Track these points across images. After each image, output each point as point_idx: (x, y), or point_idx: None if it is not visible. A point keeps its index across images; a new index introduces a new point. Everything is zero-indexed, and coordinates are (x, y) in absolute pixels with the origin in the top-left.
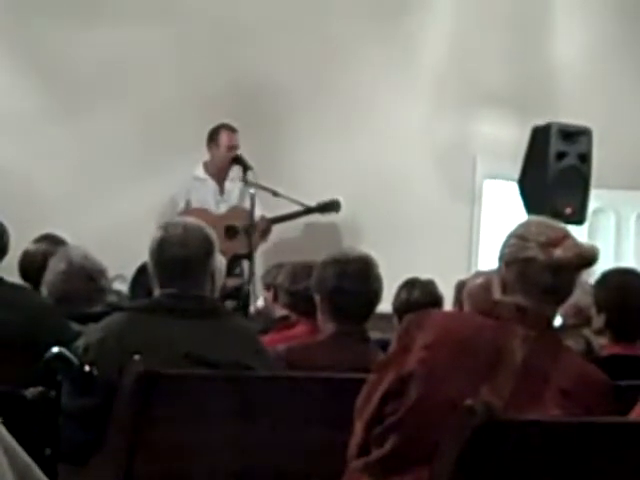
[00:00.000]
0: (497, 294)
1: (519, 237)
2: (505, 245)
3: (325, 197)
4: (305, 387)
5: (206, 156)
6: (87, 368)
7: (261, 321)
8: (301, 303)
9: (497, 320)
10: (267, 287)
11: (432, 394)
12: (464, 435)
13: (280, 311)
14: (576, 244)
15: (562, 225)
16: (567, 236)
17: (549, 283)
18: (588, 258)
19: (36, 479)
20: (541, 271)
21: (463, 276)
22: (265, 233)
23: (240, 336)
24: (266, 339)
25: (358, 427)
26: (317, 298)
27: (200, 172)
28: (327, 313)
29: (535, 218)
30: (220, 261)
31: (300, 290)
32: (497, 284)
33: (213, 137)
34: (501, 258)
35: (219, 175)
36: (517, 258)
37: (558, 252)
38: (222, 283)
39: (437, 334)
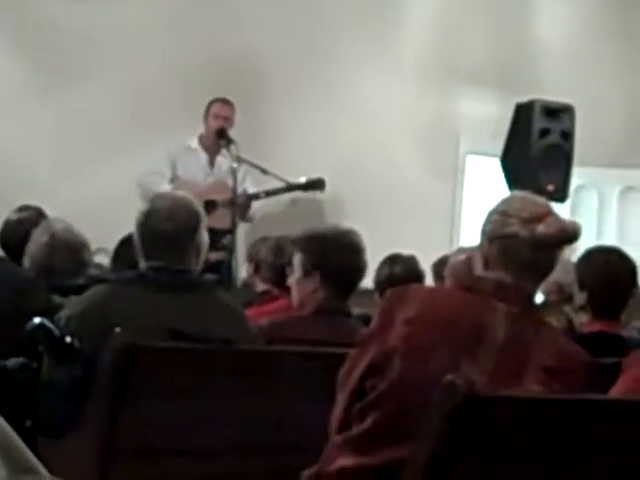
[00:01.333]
0: (479, 270)
1: (501, 213)
2: (487, 221)
3: (307, 174)
4: (287, 362)
5: (192, 130)
6: (68, 339)
7: (245, 294)
8: (283, 277)
9: (478, 296)
10: (250, 261)
11: (414, 370)
12: (445, 411)
13: (261, 285)
14: (558, 220)
15: (545, 201)
16: (550, 212)
17: (530, 259)
18: (570, 234)
19: (18, 449)
20: (523, 247)
21: (445, 252)
22: (244, 209)
23: (223, 310)
24: (248, 312)
25: (339, 402)
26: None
27: (193, 142)
28: (313, 285)
29: (518, 194)
30: (205, 236)
31: (283, 264)
32: (479, 260)
33: (207, 109)
34: (483, 234)
35: (211, 148)
36: (499, 234)
37: (541, 228)
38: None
39: (419, 309)
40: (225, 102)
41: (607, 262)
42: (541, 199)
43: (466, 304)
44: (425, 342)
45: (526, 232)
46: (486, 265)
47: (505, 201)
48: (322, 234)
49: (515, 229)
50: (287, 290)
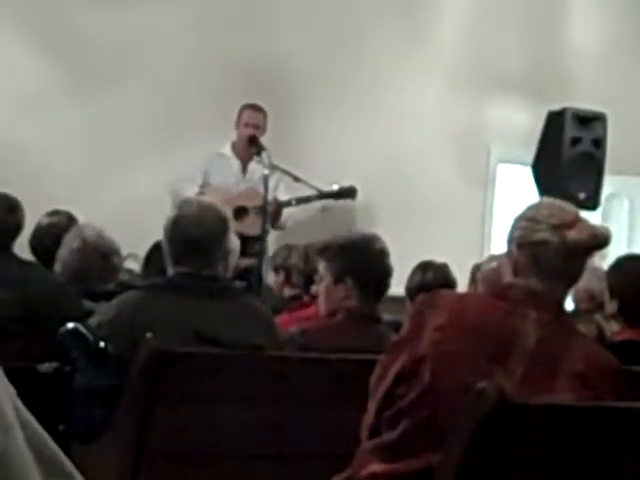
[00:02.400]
0: (507, 277)
1: (530, 219)
2: (515, 227)
3: (339, 181)
4: (318, 368)
5: (224, 136)
6: (102, 344)
7: (274, 301)
8: (313, 283)
9: (509, 303)
10: (276, 269)
11: (444, 377)
12: (476, 418)
13: (290, 291)
14: (589, 225)
15: (573, 207)
16: (579, 218)
17: (561, 265)
18: (602, 239)
19: (53, 454)
20: (554, 253)
21: (476, 260)
22: (275, 215)
23: (252, 316)
24: (279, 319)
25: (370, 408)
26: (330, 278)
27: (226, 150)
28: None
29: (545, 200)
30: (235, 242)
31: (312, 271)
32: (508, 267)
33: (238, 116)
34: (511, 241)
35: (243, 155)
36: (529, 240)
37: (572, 234)
38: (235, 263)
39: (449, 315)
40: (256, 109)
41: (638, 270)
42: (569, 205)
43: (497, 310)
44: (455, 349)
45: (557, 238)
46: (515, 272)
47: (533, 207)
48: (352, 241)
49: (545, 235)
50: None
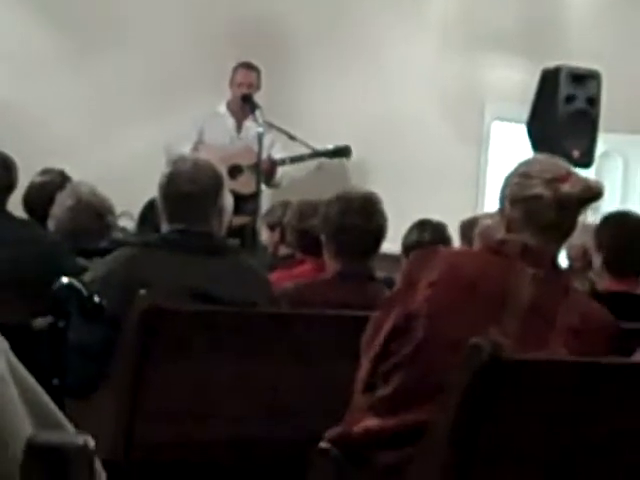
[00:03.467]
0: (501, 233)
1: (523, 175)
2: (507, 184)
3: (332, 140)
4: (311, 325)
5: (220, 96)
6: (97, 299)
7: (268, 258)
8: (308, 241)
9: (504, 259)
10: (270, 226)
11: (438, 332)
12: (470, 372)
13: (284, 250)
14: (581, 179)
15: (565, 162)
16: (571, 172)
17: (555, 219)
18: (595, 192)
19: (48, 411)
20: (548, 208)
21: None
22: (269, 174)
23: (246, 273)
24: (272, 276)
25: (364, 363)
26: (322, 237)
27: (222, 108)
28: (332, 251)
29: (537, 156)
30: (228, 200)
31: (307, 228)
32: (501, 224)
33: (232, 75)
34: (504, 197)
35: (238, 113)
36: (523, 196)
37: (565, 187)
38: (230, 221)
39: (443, 271)
40: (249, 67)
41: (624, 224)
42: (561, 161)
43: (491, 266)
44: (449, 304)
45: (550, 192)
46: (509, 228)
47: (525, 163)
48: (330, 201)
49: (539, 190)
50: (311, 254)
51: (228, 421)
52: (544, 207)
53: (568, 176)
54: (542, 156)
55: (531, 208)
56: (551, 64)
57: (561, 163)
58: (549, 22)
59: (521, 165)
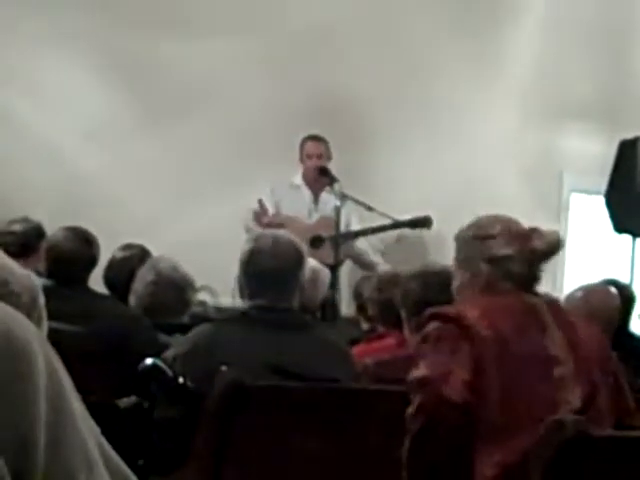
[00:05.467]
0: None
1: (484, 237)
2: (468, 247)
3: (411, 211)
4: (392, 401)
5: (294, 166)
6: (181, 380)
7: (350, 331)
8: (388, 314)
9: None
10: (356, 298)
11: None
12: (552, 449)
13: (365, 324)
14: (544, 233)
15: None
16: (532, 228)
17: (526, 273)
18: (559, 245)
19: None
20: (520, 264)
21: (549, 290)
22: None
23: (328, 349)
24: (354, 350)
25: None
26: (402, 312)
27: (297, 179)
28: (413, 327)
29: (486, 216)
30: (324, 272)
31: (388, 299)
32: (474, 282)
33: (300, 149)
34: (471, 257)
35: (313, 185)
36: (496, 255)
37: (536, 243)
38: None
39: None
40: (315, 139)
41: None
42: (507, 216)
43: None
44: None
45: (525, 248)
46: (488, 285)
47: (480, 226)
48: (410, 276)
49: (510, 250)
50: (393, 327)
51: None
52: (517, 264)
53: (532, 232)
54: (493, 215)
55: (506, 266)
56: (629, 135)
57: (517, 220)
58: (627, 92)
59: (477, 227)
